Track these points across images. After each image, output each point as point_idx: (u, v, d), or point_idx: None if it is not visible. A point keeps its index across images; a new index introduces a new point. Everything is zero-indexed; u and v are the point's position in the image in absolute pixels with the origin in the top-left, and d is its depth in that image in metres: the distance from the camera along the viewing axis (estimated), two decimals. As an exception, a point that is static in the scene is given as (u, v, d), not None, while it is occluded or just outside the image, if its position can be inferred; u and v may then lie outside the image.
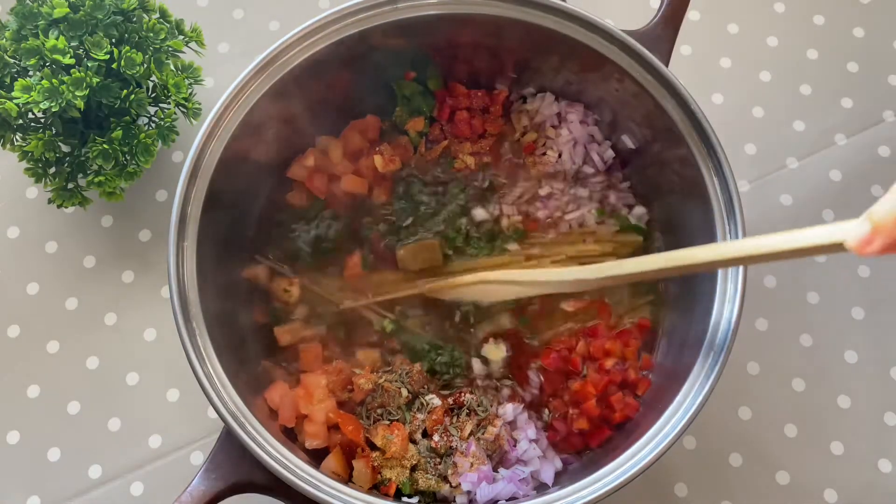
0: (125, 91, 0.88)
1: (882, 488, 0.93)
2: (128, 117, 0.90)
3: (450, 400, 0.85)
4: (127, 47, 0.87)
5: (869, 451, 0.95)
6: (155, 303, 1.00)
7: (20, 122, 0.89)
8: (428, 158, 0.95)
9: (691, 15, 1.13)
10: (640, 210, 0.94)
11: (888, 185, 1.05)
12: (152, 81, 0.93)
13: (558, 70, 0.92)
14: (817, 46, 1.13)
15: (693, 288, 0.84)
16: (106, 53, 0.86)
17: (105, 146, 0.88)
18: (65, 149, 0.92)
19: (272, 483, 0.73)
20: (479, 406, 0.85)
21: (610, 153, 0.95)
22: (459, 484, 0.80)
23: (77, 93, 0.83)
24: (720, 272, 0.79)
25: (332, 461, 0.80)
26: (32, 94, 0.83)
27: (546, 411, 0.87)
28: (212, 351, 0.76)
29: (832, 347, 0.99)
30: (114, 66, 0.87)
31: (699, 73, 1.11)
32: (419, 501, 0.81)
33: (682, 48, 1.12)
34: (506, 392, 0.88)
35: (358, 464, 0.80)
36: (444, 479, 0.81)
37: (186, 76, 0.94)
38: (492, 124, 0.96)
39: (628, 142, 0.94)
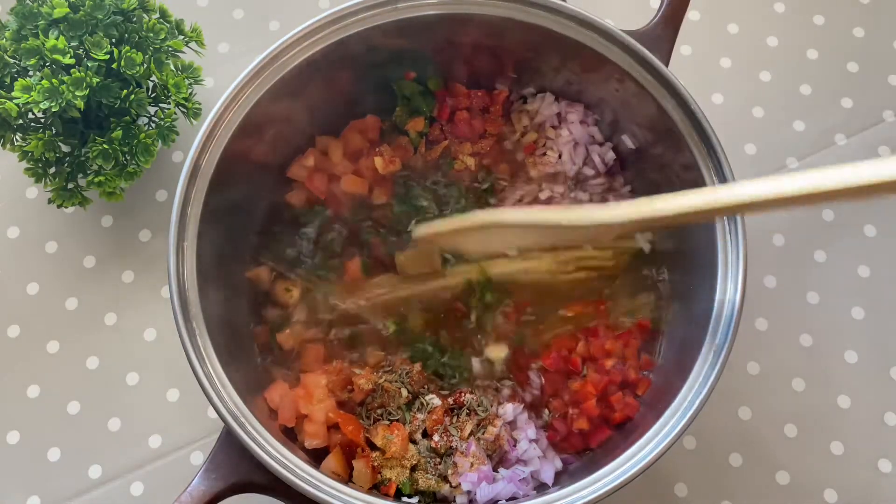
0: (125, 91, 0.88)
1: (882, 488, 0.93)
2: (128, 117, 0.90)
3: (450, 400, 0.85)
4: (127, 47, 0.87)
5: (869, 451, 0.95)
6: (155, 303, 1.00)
7: (20, 122, 0.89)
8: (428, 159, 0.95)
9: (691, 15, 1.13)
10: None
11: (888, 185, 1.05)
12: (152, 81, 0.93)
13: (558, 70, 0.92)
14: (817, 46, 1.13)
15: (693, 286, 0.84)
16: (106, 53, 0.86)
17: (105, 146, 0.88)
18: (65, 149, 0.92)
19: (272, 483, 0.73)
20: (479, 406, 0.85)
21: (611, 155, 0.95)
22: (459, 484, 0.80)
23: (77, 93, 0.83)
24: (720, 269, 0.79)
25: (332, 461, 0.80)
26: (32, 94, 0.83)
27: (546, 411, 0.87)
28: (212, 351, 0.76)
29: (832, 347, 0.99)
30: (114, 66, 0.87)
31: (699, 73, 1.11)
32: (419, 501, 0.81)
33: (682, 48, 1.12)
34: (506, 392, 0.88)
35: (358, 464, 0.80)
36: (444, 479, 0.81)
37: (186, 76, 0.94)
38: (492, 124, 0.96)
39: (628, 142, 0.94)
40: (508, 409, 0.85)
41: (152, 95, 0.93)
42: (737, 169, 0.81)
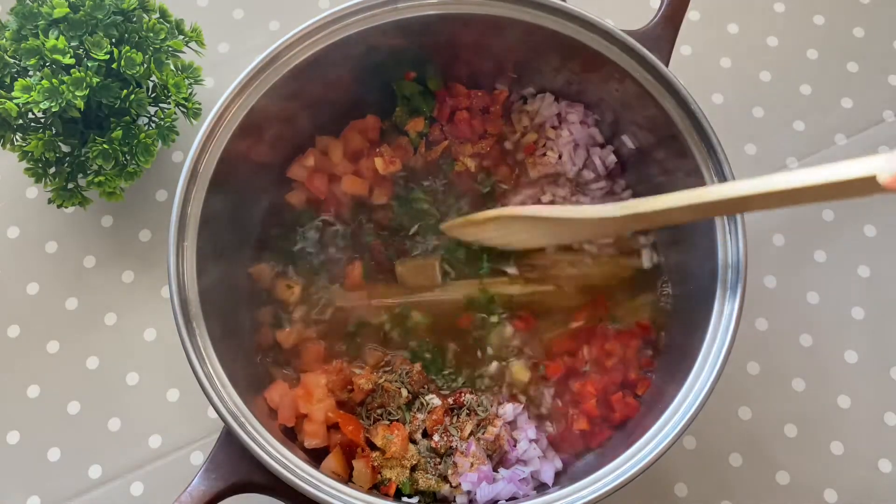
0: (125, 91, 0.88)
1: (882, 488, 0.93)
2: (128, 117, 0.90)
3: (450, 400, 0.85)
4: (127, 47, 0.87)
5: (869, 451, 0.95)
6: (155, 303, 1.00)
7: (20, 122, 0.89)
8: (428, 159, 0.95)
9: (691, 15, 1.13)
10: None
11: (888, 185, 1.05)
12: (152, 81, 0.93)
13: (558, 70, 0.92)
14: (817, 46, 1.13)
15: (693, 286, 0.84)
16: (106, 53, 0.86)
17: (105, 146, 0.88)
18: (65, 149, 0.92)
19: (272, 483, 0.73)
20: (479, 406, 0.85)
21: (612, 158, 0.95)
22: (459, 484, 0.80)
23: (77, 93, 0.83)
24: (720, 269, 0.79)
25: (332, 461, 0.80)
26: (32, 94, 0.83)
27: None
28: (212, 351, 0.76)
29: (832, 347, 0.99)
30: (114, 66, 0.87)
31: (699, 73, 1.11)
32: (419, 501, 0.81)
33: (682, 48, 1.12)
34: (506, 392, 0.88)
35: (358, 464, 0.80)
36: (444, 479, 0.81)
37: (186, 76, 0.94)
38: (492, 125, 0.96)
39: (628, 142, 0.94)
40: (508, 409, 0.85)
41: (152, 95, 0.93)
42: (737, 169, 0.81)
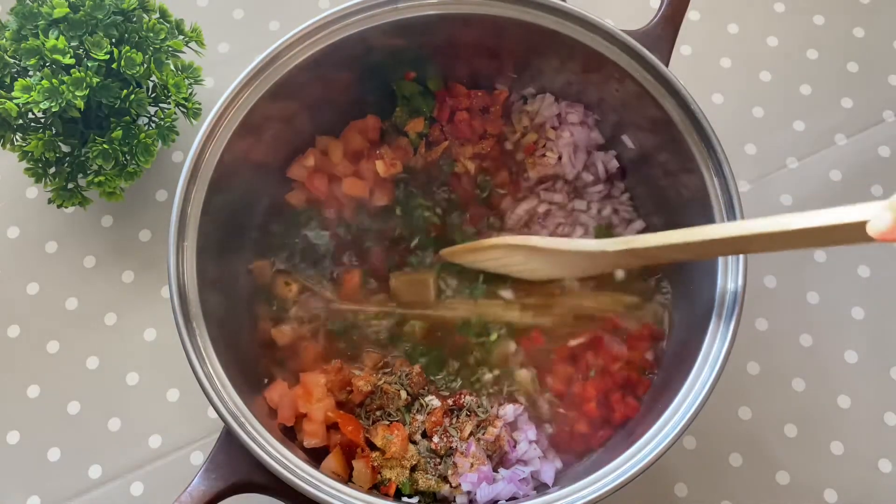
0: (125, 91, 0.88)
1: (882, 488, 0.93)
2: (128, 117, 0.90)
3: (449, 401, 0.85)
4: (127, 47, 0.87)
5: (869, 451, 0.95)
6: (155, 303, 1.00)
7: (20, 122, 0.89)
8: (428, 160, 0.95)
9: (691, 15, 1.13)
10: (638, 225, 0.94)
11: (888, 185, 1.06)
12: (152, 81, 0.93)
13: (558, 70, 0.92)
14: (817, 46, 1.13)
15: (693, 286, 0.84)
16: (106, 53, 0.86)
17: (105, 146, 0.88)
18: (65, 149, 0.92)
19: (272, 483, 0.73)
20: (479, 407, 0.85)
21: (614, 163, 0.95)
22: (459, 484, 0.80)
23: (77, 93, 0.83)
24: (720, 270, 0.79)
25: (332, 461, 0.80)
26: (32, 94, 0.83)
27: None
28: (212, 351, 0.76)
29: (832, 347, 0.99)
30: (114, 66, 0.87)
31: (699, 73, 1.11)
32: (419, 501, 0.81)
33: (682, 48, 1.12)
34: (507, 394, 0.88)
35: (358, 464, 0.80)
36: (444, 479, 0.81)
37: (186, 76, 0.94)
38: (492, 125, 0.96)
39: (628, 142, 0.94)
40: (509, 410, 0.85)
41: (152, 95, 0.93)
42: (737, 169, 0.81)
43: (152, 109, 0.95)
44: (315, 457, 0.80)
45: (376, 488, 0.80)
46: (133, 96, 0.88)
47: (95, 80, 0.85)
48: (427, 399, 0.85)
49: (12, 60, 0.88)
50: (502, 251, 0.85)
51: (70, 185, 0.94)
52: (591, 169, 0.95)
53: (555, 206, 0.94)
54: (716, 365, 0.75)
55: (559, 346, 0.88)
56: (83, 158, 0.91)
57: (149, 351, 0.98)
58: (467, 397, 0.85)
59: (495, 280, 0.91)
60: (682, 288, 0.89)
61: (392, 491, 0.80)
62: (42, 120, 0.91)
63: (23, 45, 0.85)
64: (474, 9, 0.85)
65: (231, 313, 0.85)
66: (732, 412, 0.96)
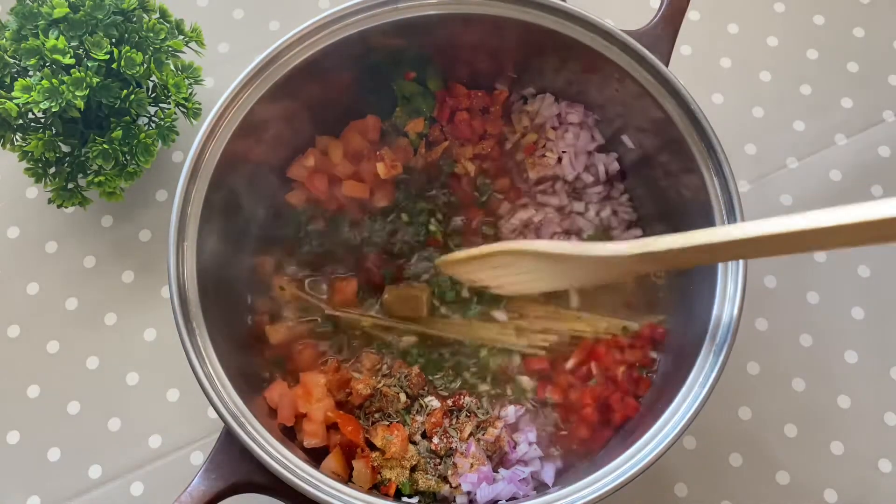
0: (125, 91, 0.88)
1: (882, 488, 0.93)
2: (128, 117, 0.90)
3: (449, 402, 0.85)
4: (127, 47, 0.87)
5: (869, 451, 0.95)
6: (155, 303, 1.00)
7: (20, 122, 0.89)
8: (429, 160, 0.95)
9: (691, 15, 1.13)
10: (636, 232, 0.94)
11: (888, 185, 1.06)
12: (152, 81, 0.93)
13: (558, 70, 0.92)
14: (817, 46, 1.13)
15: (693, 288, 0.84)
16: (106, 53, 0.86)
17: (105, 146, 0.88)
18: (65, 149, 0.92)
19: (272, 483, 0.73)
20: (479, 409, 0.85)
21: (615, 166, 0.95)
22: (459, 484, 0.80)
23: (77, 93, 0.83)
24: (720, 269, 0.79)
25: (331, 461, 0.80)
26: (32, 94, 0.83)
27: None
28: (212, 351, 0.76)
29: (832, 347, 0.99)
30: (114, 66, 0.87)
31: (699, 73, 1.11)
32: (419, 502, 0.81)
33: (682, 48, 1.12)
34: (507, 395, 0.88)
35: (358, 464, 0.80)
36: (444, 479, 0.81)
37: (186, 76, 0.94)
38: (492, 125, 0.96)
39: (628, 142, 0.94)
40: (510, 412, 0.85)
41: (152, 95, 0.93)
42: (737, 169, 0.81)
43: (152, 109, 0.95)
44: (315, 457, 0.80)
45: (376, 488, 0.80)
46: (133, 96, 0.88)
47: (95, 80, 0.85)
48: (427, 400, 0.85)
49: (12, 60, 0.88)
50: (506, 258, 0.79)
51: (70, 185, 0.94)
52: (591, 170, 0.95)
53: (552, 212, 0.93)
54: (716, 365, 0.75)
55: (558, 360, 0.88)
56: (83, 158, 0.91)
57: (149, 351, 0.98)
58: (467, 398, 0.85)
59: (489, 301, 0.90)
60: (681, 287, 0.89)
61: (392, 491, 0.80)
62: (42, 120, 0.91)
63: (23, 45, 0.85)
64: (474, 9, 0.85)
65: (231, 313, 0.85)
66: (732, 412, 0.96)
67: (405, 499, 0.80)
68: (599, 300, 0.90)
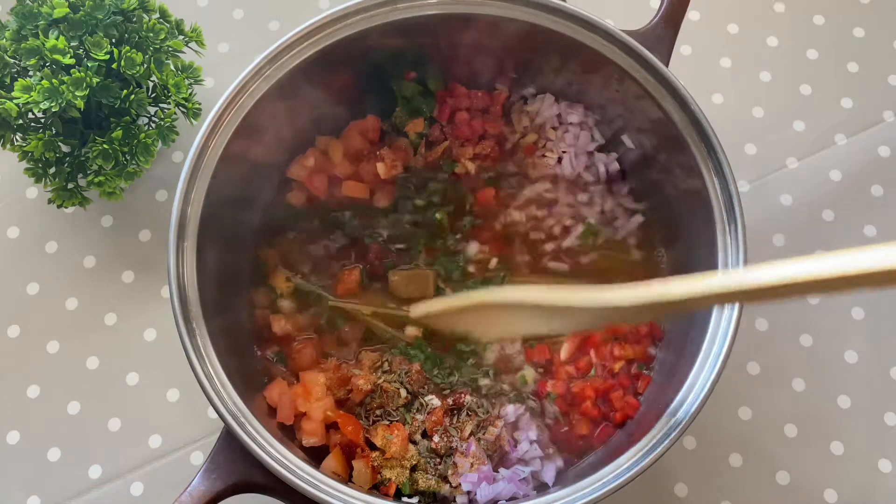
0: (125, 91, 0.88)
1: (882, 488, 0.93)
2: (128, 117, 0.90)
3: (449, 401, 0.85)
4: (127, 47, 0.87)
5: (869, 451, 0.95)
6: (155, 303, 1.00)
7: (20, 122, 0.89)
8: (429, 159, 0.95)
9: (691, 15, 1.13)
10: (637, 219, 0.93)
11: (888, 185, 1.06)
12: (152, 81, 0.93)
13: (558, 70, 0.92)
14: (817, 46, 1.13)
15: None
16: (106, 53, 0.86)
17: (105, 146, 0.88)
18: (65, 149, 0.92)
19: (272, 483, 0.73)
20: (479, 408, 0.85)
21: (615, 166, 0.95)
22: (459, 484, 0.80)
23: (77, 93, 0.83)
24: (720, 270, 0.79)
25: (331, 461, 0.80)
26: (32, 94, 0.83)
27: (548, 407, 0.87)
28: (212, 351, 0.76)
29: (832, 347, 0.99)
30: (114, 66, 0.87)
31: (699, 73, 1.11)
32: (419, 501, 0.81)
33: (682, 48, 1.12)
34: (507, 393, 0.88)
35: (358, 464, 0.80)
36: (445, 479, 0.81)
37: (186, 76, 0.94)
38: (492, 125, 0.96)
39: (628, 142, 0.94)
40: (510, 410, 0.85)
41: (152, 95, 0.93)
42: (737, 169, 0.81)
43: (152, 109, 0.95)
44: (315, 456, 0.80)
45: (376, 488, 0.80)
46: (133, 96, 0.88)
47: (95, 80, 0.85)
48: (427, 398, 0.85)
49: (12, 60, 0.88)
50: (486, 311, 0.74)
51: (70, 185, 0.94)
52: (591, 170, 0.95)
53: (553, 200, 0.94)
54: (716, 365, 0.75)
55: (557, 352, 0.88)
56: (83, 158, 0.91)
57: (149, 351, 0.98)
58: (467, 397, 0.85)
59: (495, 282, 0.90)
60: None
61: (392, 491, 0.80)
62: (42, 120, 0.91)
63: (23, 45, 0.85)
64: (474, 9, 0.85)
65: (231, 313, 0.85)
66: (732, 412, 0.96)
67: (405, 499, 0.80)
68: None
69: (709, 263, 0.80)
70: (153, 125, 0.95)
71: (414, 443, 0.83)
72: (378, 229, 0.92)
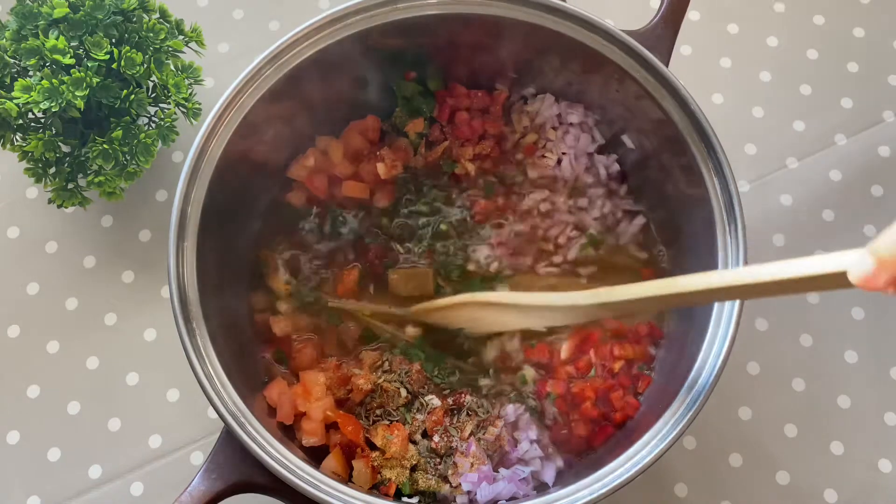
0: (125, 91, 0.88)
1: (882, 488, 0.93)
2: (128, 117, 0.90)
3: (449, 400, 0.85)
4: (127, 47, 0.87)
5: (869, 451, 0.95)
6: (155, 303, 1.00)
7: (20, 122, 0.89)
8: (429, 159, 0.95)
9: (691, 15, 1.13)
10: (639, 221, 0.93)
11: (888, 185, 1.06)
12: (152, 81, 0.93)
13: (558, 71, 0.92)
14: (817, 46, 1.13)
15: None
16: (106, 53, 0.86)
17: (105, 146, 0.88)
18: (65, 149, 0.92)
19: (272, 483, 0.73)
20: (479, 407, 0.85)
21: (615, 167, 0.95)
22: (459, 484, 0.80)
23: (77, 93, 0.83)
24: (720, 269, 0.79)
25: (331, 461, 0.80)
26: (32, 94, 0.83)
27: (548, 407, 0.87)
28: (212, 351, 0.76)
29: (832, 347, 0.99)
30: (114, 66, 0.87)
31: (699, 73, 1.11)
32: (419, 501, 0.81)
33: (682, 48, 1.12)
34: (507, 393, 0.88)
35: (358, 464, 0.80)
36: (445, 479, 0.81)
37: (186, 76, 0.94)
38: (492, 125, 0.96)
39: (628, 142, 0.94)
40: (510, 410, 0.85)
41: (152, 95, 0.93)
42: (737, 169, 0.81)
43: (152, 109, 0.95)
44: (315, 456, 0.80)
45: (376, 488, 0.80)
46: (133, 96, 0.88)
47: (95, 80, 0.85)
48: (427, 398, 0.85)
49: (12, 60, 0.87)
50: (472, 308, 0.84)
51: (70, 185, 0.94)
52: (591, 171, 0.95)
53: (555, 206, 0.94)
54: (716, 364, 0.75)
55: (557, 351, 0.88)
56: (83, 158, 0.91)
57: (149, 351, 0.98)
58: (468, 397, 0.85)
59: (493, 280, 0.91)
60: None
61: (392, 491, 0.80)
62: (42, 120, 0.91)
63: (23, 45, 0.85)
64: (474, 9, 0.85)
65: (231, 313, 0.85)
66: (732, 412, 0.96)
67: (405, 499, 0.80)
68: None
69: (709, 263, 0.80)
70: (153, 125, 0.95)
71: (414, 443, 0.83)
72: (378, 228, 0.92)
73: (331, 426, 0.83)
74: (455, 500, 0.81)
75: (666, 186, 0.90)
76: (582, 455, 0.85)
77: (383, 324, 0.89)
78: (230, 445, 0.74)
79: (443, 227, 0.92)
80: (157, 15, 0.94)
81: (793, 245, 1.02)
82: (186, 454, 0.94)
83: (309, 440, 0.81)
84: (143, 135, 0.90)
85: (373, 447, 0.82)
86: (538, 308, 0.80)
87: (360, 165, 0.94)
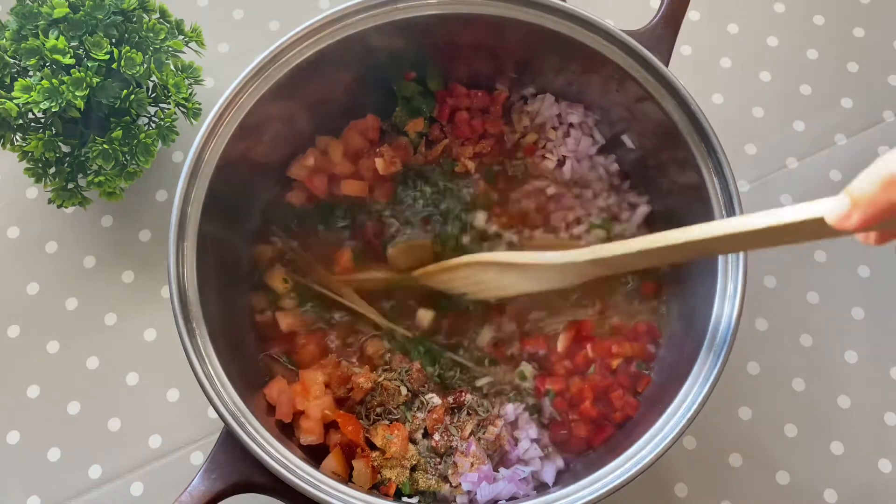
0: (125, 91, 0.88)
1: (882, 488, 0.93)
2: (128, 117, 0.90)
3: (450, 399, 0.85)
4: (127, 47, 0.87)
5: (869, 451, 0.95)
6: (155, 303, 1.00)
7: (20, 122, 0.89)
8: (429, 158, 0.95)
9: (691, 15, 1.13)
10: (644, 209, 0.93)
11: (888, 185, 1.05)
12: (152, 81, 0.93)
13: (559, 71, 0.92)
14: (817, 46, 1.13)
15: (694, 287, 0.84)
16: (106, 53, 0.86)
17: (105, 146, 0.88)
18: (65, 149, 0.92)
19: (272, 483, 0.73)
20: (479, 406, 0.85)
21: (615, 167, 0.95)
22: (459, 484, 0.80)
23: (77, 93, 0.83)
24: (720, 270, 0.79)
25: (331, 461, 0.80)
26: (32, 94, 0.83)
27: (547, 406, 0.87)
28: (212, 351, 0.76)
29: (832, 347, 0.99)
30: (114, 66, 0.87)
31: (699, 73, 1.11)
32: (419, 501, 0.81)
33: (682, 48, 1.12)
34: (507, 392, 0.88)
35: (358, 464, 0.81)
36: (445, 479, 0.82)
37: (186, 76, 0.94)
38: (492, 125, 0.96)
39: (628, 142, 0.94)
40: (510, 409, 0.85)
41: (152, 95, 0.93)
42: (737, 169, 0.81)
43: (152, 109, 0.95)
44: (315, 456, 0.80)
45: (376, 488, 0.80)
46: (133, 96, 0.88)
47: (95, 80, 0.85)
48: (427, 397, 0.85)
49: (12, 60, 0.87)
50: (473, 269, 0.85)
51: (70, 185, 0.94)
52: (592, 172, 0.95)
53: (558, 193, 0.94)
54: (716, 365, 0.75)
55: (554, 345, 0.89)
56: (83, 158, 0.91)
57: (149, 351, 0.98)
58: (468, 396, 0.85)
59: (492, 244, 0.92)
60: (681, 287, 0.89)
61: (392, 491, 0.80)
62: (42, 120, 0.91)
63: (23, 45, 0.85)
64: (474, 9, 0.85)
65: (231, 312, 0.85)
66: (732, 412, 0.96)
67: (405, 499, 0.80)
68: (601, 290, 0.91)
69: (710, 264, 0.80)
70: (153, 125, 0.95)
71: (414, 442, 0.83)
72: (378, 210, 0.93)
73: (331, 426, 0.83)
74: (455, 500, 0.81)
75: (666, 186, 0.90)
76: (582, 455, 0.85)
77: (384, 318, 0.89)
78: (230, 445, 0.74)
79: (443, 206, 0.93)
80: (157, 15, 0.94)
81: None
82: (186, 454, 0.94)
83: (307, 438, 0.81)
84: (143, 135, 0.90)
85: (373, 447, 0.82)
86: (536, 267, 0.80)
87: (360, 164, 0.94)
